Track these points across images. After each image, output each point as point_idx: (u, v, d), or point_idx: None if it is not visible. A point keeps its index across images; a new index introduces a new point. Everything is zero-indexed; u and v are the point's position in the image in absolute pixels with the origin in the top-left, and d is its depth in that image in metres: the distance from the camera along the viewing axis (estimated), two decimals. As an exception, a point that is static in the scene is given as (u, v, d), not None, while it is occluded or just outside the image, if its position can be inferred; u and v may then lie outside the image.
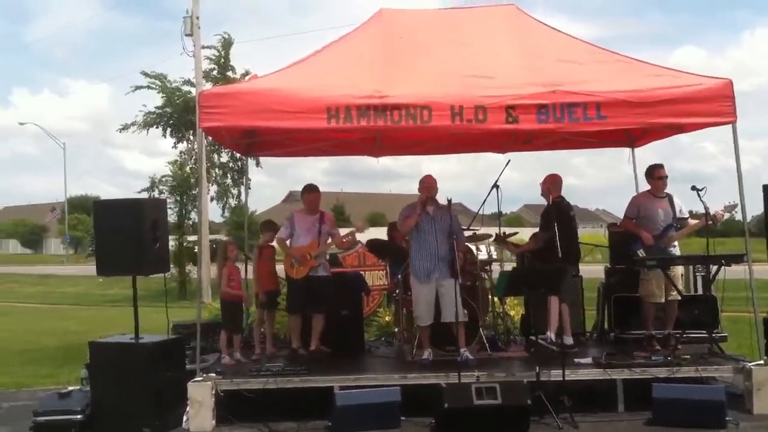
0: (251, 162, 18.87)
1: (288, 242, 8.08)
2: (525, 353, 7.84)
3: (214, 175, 22.85)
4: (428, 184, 7.72)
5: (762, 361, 6.73)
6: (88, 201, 61.96)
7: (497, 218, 8.82)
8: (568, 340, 7.70)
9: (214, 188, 23.19)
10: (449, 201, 7.63)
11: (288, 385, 6.79)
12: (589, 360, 7.13)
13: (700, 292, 8.41)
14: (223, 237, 24.32)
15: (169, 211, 22.59)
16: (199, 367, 6.86)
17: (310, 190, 8.17)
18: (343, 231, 8.52)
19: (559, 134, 8.17)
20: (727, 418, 6.21)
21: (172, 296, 19.81)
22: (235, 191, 22.91)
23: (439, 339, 7.63)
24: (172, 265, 17.89)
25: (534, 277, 7.48)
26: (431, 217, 7.59)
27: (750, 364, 6.73)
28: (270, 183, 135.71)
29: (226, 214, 24.25)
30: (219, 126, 6.94)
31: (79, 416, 6.49)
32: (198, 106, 6.80)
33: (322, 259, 8.04)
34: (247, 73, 21.47)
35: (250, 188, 13.33)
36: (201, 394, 6.54)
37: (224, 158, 22.92)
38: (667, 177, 7.87)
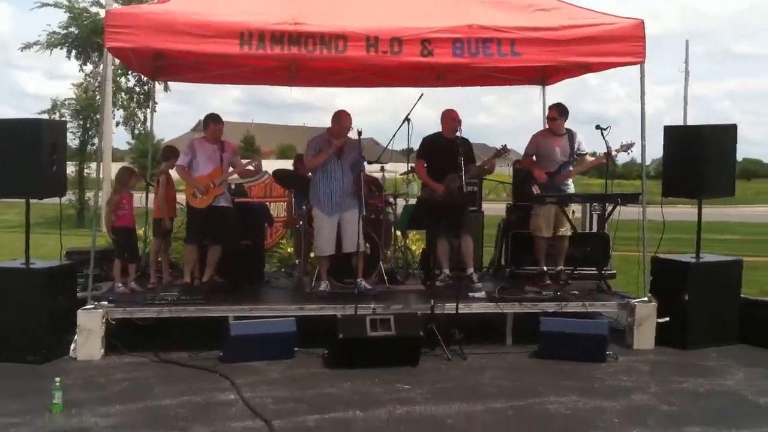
0: (159, 87, 18.31)
1: (188, 170, 7.73)
2: (422, 287, 7.93)
3: (120, 99, 22.02)
4: (344, 126, 7.56)
5: (645, 298, 7.04)
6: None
7: (407, 153, 8.82)
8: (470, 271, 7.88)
9: (120, 113, 22.38)
10: (359, 133, 7.52)
11: (182, 314, 6.68)
12: (482, 294, 7.29)
13: (594, 230, 8.71)
14: (127, 164, 23.70)
15: (71, 136, 21.77)
16: (91, 294, 6.67)
17: (215, 120, 7.80)
18: (245, 160, 8.34)
19: (472, 69, 8.19)
20: (608, 353, 6.49)
21: (70, 223, 19.20)
22: (141, 117, 22.18)
23: (338, 271, 7.66)
24: (70, 192, 17.30)
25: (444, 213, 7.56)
26: (339, 151, 7.52)
27: (634, 301, 7.03)
28: (179, 110, 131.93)
29: (132, 140, 23.44)
30: (126, 47, 6.58)
31: (-40, 342, 6.25)
32: (104, 25, 6.45)
33: (224, 187, 7.81)
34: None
35: (155, 111, 12.66)
36: (91, 322, 6.38)
37: (131, 82, 22.12)
38: (557, 119, 7.92)
